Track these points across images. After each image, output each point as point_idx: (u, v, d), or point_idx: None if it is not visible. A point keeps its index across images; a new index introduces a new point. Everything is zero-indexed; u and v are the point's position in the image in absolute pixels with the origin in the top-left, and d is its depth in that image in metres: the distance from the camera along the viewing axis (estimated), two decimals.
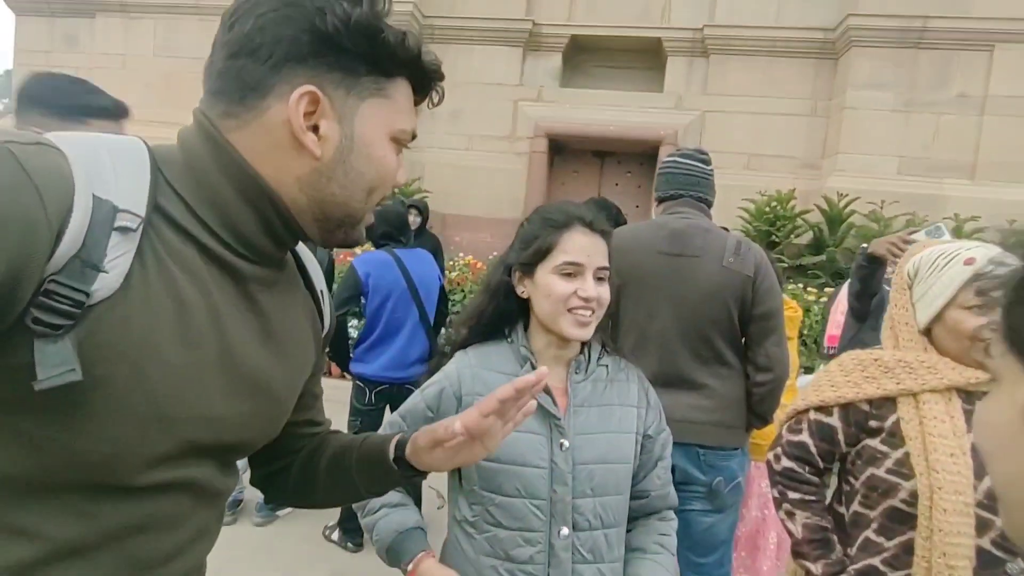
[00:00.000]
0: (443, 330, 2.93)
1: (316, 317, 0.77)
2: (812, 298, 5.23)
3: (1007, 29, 5.69)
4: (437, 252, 5.40)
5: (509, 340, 1.14)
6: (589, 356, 1.14)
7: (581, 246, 1.06)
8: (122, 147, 0.56)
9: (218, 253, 0.59)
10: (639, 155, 7.06)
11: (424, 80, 0.67)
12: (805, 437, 1.23)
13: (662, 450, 1.17)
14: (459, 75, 7.13)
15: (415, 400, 1.13)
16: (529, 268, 1.10)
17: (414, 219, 5.21)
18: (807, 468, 1.23)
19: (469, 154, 7.13)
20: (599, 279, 1.07)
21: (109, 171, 0.52)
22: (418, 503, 2.84)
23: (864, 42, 5.99)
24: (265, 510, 2.98)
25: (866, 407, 1.16)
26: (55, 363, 0.47)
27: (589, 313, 1.05)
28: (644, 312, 1.73)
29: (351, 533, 2.80)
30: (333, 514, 2.88)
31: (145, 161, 0.56)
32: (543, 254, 1.08)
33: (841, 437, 1.19)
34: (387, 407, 2.87)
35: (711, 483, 1.73)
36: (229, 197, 0.59)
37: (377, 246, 2.87)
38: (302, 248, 0.78)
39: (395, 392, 2.78)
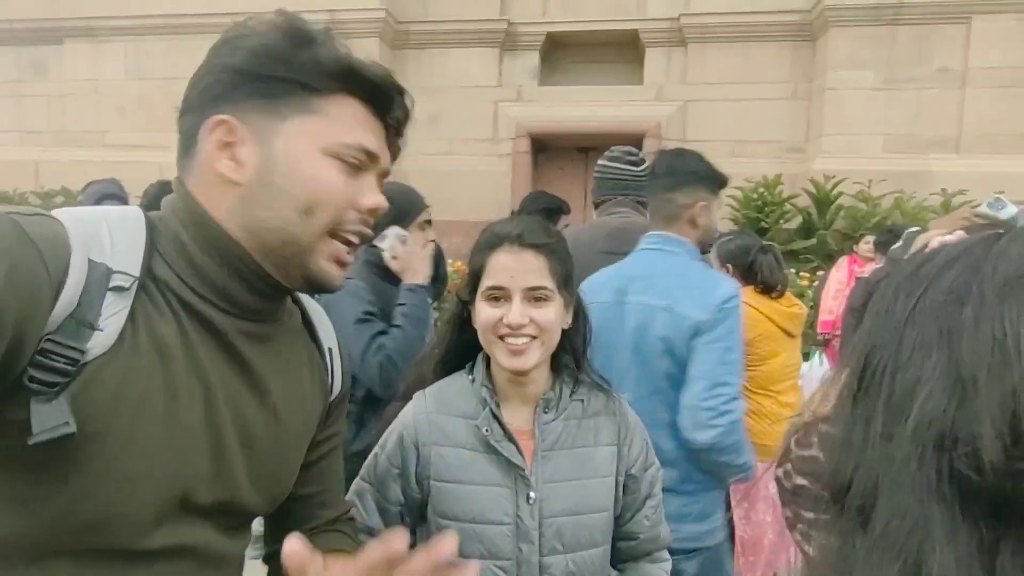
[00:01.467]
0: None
1: (323, 377, 0.74)
2: (805, 283, 5.17)
3: (984, 0, 5.66)
4: (439, 260, 5.20)
5: (471, 377, 1.04)
6: (560, 391, 1.02)
7: (503, 267, 0.95)
8: (120, 216, 0.58)
9: (199, 310, 0.59)
10: None
11: (375, 93, 0.64)
12: (816, 451, 1.17)
13: (650, 488, 1.06)
14: (436, 79, 7.05)
15: (378, 460, 1.02)
16: (470, 297, 1.01)
17: None
18: (818, 485, 1.16)
19: (451, 159, 7.05)
20: (538, 299, 0.95)
21: (106, 238, 0.55)
22: None
23: (841, 22, 5.94)
24: (259, 542, 2.88)
25: None
26: (50, 419, 0.47)
27: (523, 341, 0.93)
28: None
29: None
30: None
31: (141, 228, 0.58)
32: (475, 280, 0.99)
33: None
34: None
35: None
36: (197, 252, 0.59)
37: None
38: (311, 303, 0.76)
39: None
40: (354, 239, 0.64)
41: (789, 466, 1.21)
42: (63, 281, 0.50)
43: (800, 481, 1.18)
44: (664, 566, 1.09)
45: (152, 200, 2.14)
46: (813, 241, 5.66)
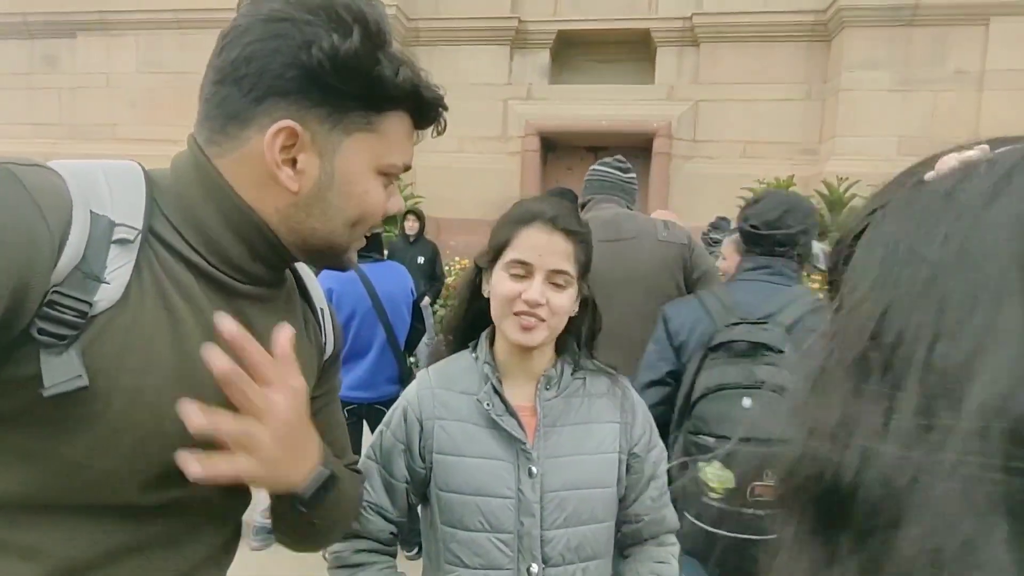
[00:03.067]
0: (421, 346, 2.82)
1: (317, 335, 0.76)
2: (816, 286, 5.12)
3: (1002, 1, 5.58)
4: (435, 258, 5.31)
5: (474, 355, 1.05)
6: (562, 369, 1.03)
7: (534, 244, 0.95)
8: (118, 169, 0.57)
9: (206, 271, 0.60)
10: (634, 148, 6.94)
11: (424, 111, 0.66)
12: None
13: (654, 468, 1.06)
14: (446, 77, 6.97)
15: (383, 436, 1.03)
16: (489, 265, 1.01)
17: (412, 224, 5.19)
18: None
19: (460, 156, 7.03)
20: (555, 284, 0.95)
21: (105, 190, 0.54)
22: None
23: (856, 22, 5.88)
24: (263, 534, 2.90)
25: None
26: (62, 372, 0.48)
27: (534, 319, 0.94)
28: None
29: None
30: None
31: (140, 183, 0.58)
32: (499, 250, 0.98)
33: None
34: (362, 421, 2.79)
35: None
36: (214, 224, 0.60)
37: None
38: (304, 268, 0.77)
39: (365, 411, 2.69)
40: (369, 234, 0.70)
41: None
42: (66, 232, 0.50)
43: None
44: (672, 550, 1.08)
45: None
46: (825, 244, 5.60)
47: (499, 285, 0.96)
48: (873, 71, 5.87)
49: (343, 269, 0.70)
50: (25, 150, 7.45)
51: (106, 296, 0.51)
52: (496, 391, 0.98)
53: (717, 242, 4.18)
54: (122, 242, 0.53)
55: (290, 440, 0.58)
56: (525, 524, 0.95)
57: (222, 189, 0.60)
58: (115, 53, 7.31)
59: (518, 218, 0.98)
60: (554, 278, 0.95)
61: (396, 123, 0.64)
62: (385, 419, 1.05)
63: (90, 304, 0.50)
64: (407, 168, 0.67)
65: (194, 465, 0.52)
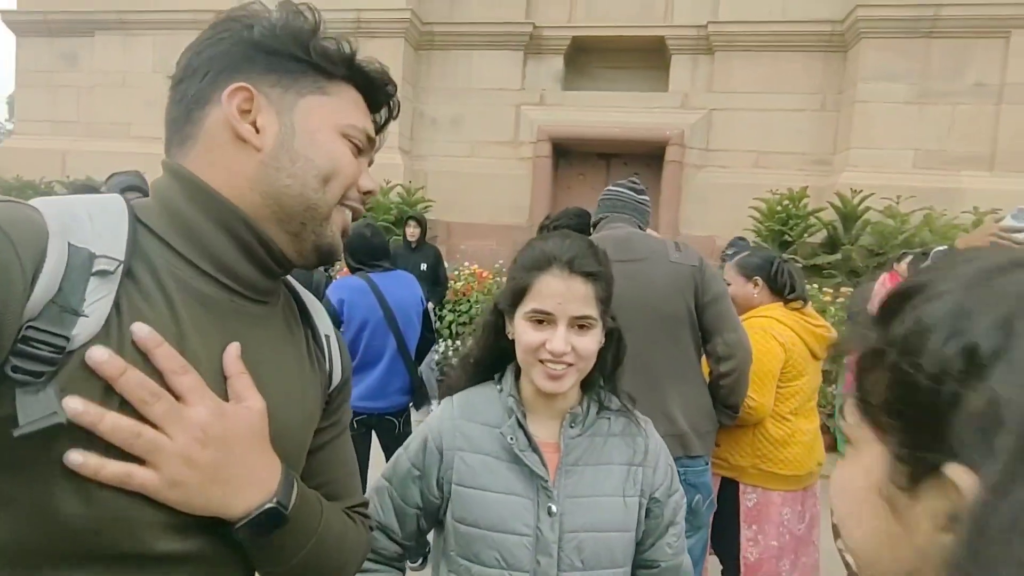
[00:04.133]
0: (431, 355, 2.79)
1: (321, 363, 0.73)
2: (828, 299, 5.07)
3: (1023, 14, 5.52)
4: (438, 264, 5.28)
5: (499, 387, 1.04)
6: (588, 407, 1.01)
7: (552, 292, 0.93)
8: (99, 203, 0.57)
9: (195, 286, 0.58)
10: (646, 156, 6.93)
11: (371, 88, 0.68)
12: None
13: (673, 515, 1.04)
14: (459, 81, 7.05)
15: (399, 461, 1.02)
16: (510, 310, 1.00)
17: (413, 231, 5.11)
18: None
19: (472, 161, 7.04)
20: (581, 327, 0.94)
21: (86, 223, 0.53)
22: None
23: (874, 33, 5.83)
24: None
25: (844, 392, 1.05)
26: (37, 410, 0.45)
27: (562, 367, 0.93)
28: None
29: None
30: None
31: (123, 212, 0.57)
32: (518, 297, 0.97)
33: None
34: (371, 433, 2.77)
35: (691, 502, 1.66)
36: (201, 224, 0.59)
37: (352, 270, 2.74)
38: (305, 292, 0.76)
39: (375, 421, 2.68)
40: (351, 215, 0.68)
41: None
42: (40, 265, 0.48)
43: None
44: None
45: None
46: (838, 256, 5.54)
47: (523, 335, 0.95)
48: (890, 83, 5.82)
49: (329, 253, 0.66)
50: (44, 147, 7.56)
51: (85, 330, 0.49)
52: (520, 425, 0.97)
53: None
54: (102, 274, 0.51)
55: (222, 462, 0.54)
56: (542, 564, 0.92)
57: (199, 187, 0.60)
58: (132, 52, 7.40)
59: (534, 263, 0.95)
60: (578, 322, 0.93)
61: (348, 93, 0.66)
62: (406, 443, 1.03)
63: (67, 339, 0.48)
64: (370, 139, 0.68)
65: (77, 456, 0.48)
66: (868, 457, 0.39)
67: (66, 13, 7.54)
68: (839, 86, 6.22)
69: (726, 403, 1.80)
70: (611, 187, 2.04)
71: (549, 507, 0.93)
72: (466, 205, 6.90)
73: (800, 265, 5.58)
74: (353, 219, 0.69)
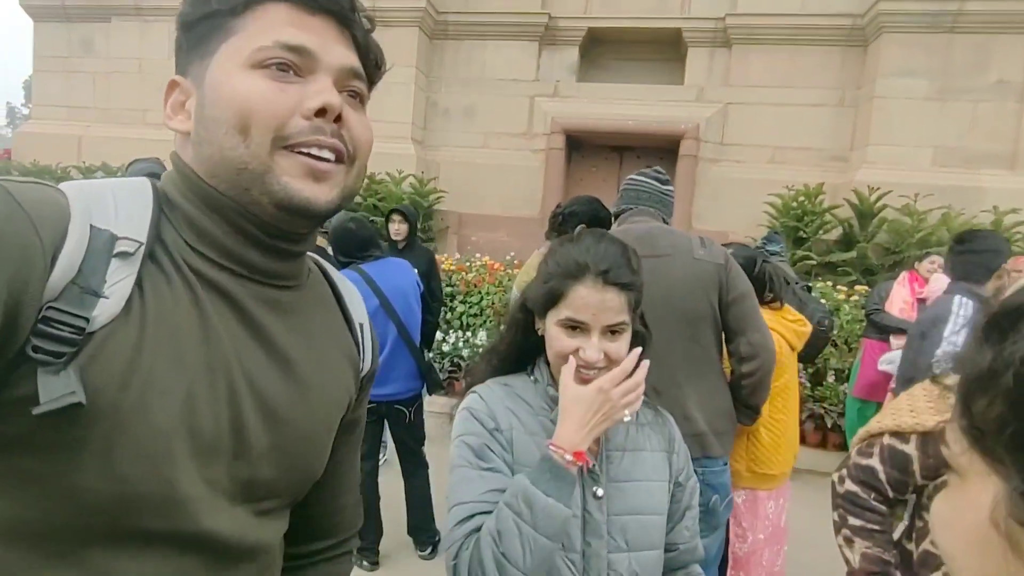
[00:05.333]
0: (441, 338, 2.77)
1: (353, 350, 0.72)
2: (842, 297, 5.02)
3: None
4: (430, 272, 3.95)
5: (533, 378, 1.06)
6: None
7: (587, 303, 0.94)
8: (127, 186, 0.57)
9: (212, 277, 0.57)
10: (660, 150, 6.88)
11: None
12: (875, 462, 1.13)
13: (690, 498, 1.09)
14: (473, 71, 7.02)
15: (466, 442, 0.98)
16: (541, 311, 1.01)
17: (398, 227, 3.84)
18: (873, 495, 1.13)
19: (484, 152, 7.01)
20: (614, 332, 0.96)
21: (111, 206, 0.53)
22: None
23: (895, 28, 5.73)
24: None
25: (943, 420, 1.04)
26: (57, 389, 0.45)
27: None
28: None
29: (366, 551, 2.72)
30: None
31: (149, 197, 0.57)
32: (552, 302, 0.98)
33: (917, 468, 1.08)
34: (383, 423, 2.78)
35: (708, 502, 1.66)
36: (195, 212, 0.58)
37: (341, 266, 2.73)
38: (342, 279, 0.74)
39: (385, 410, 2.70)
40: (318, 151, 0.57)
41: (845, 471, 1.17)
42: (60, 246, 0.48)
43: (852, 487, 1.15)
44: None
45: None
46: (853, 254, 5.49)
47: (556, 341, 0.98)
48: (910, 79, 5.73)
49: (302, 208, 0.57)
50: (60, 132, 7.61)
51: (105, 311, 0.49)
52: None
53: (773, 254, 4.10)
54: (123, 255, 0.51)
55: None
56: (593, 545, 0.95)
57: (186, 173, 0.59)
58: (148, 39, 7.41)
59: (567, 271, 0.96)
60: (613, 328, 0.96)
61: (262, 15, 0.56)
62: (456, 432, 1.01)
63: (87, 320, 0.48)
64: (296, 48, 0.56)
65: None
66: (980, 490, 0.35)
67: None
68: (858, 81, 6.13)
69: (747, 404, 1.78)
70: (635, 176, 1.99)
71: (595, 490, 0.97)
72: (478, 196, 6.89)
73: (815, 262, 5.53)
74: (336, 156, 0.58)
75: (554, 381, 1.03)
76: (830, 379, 4.75)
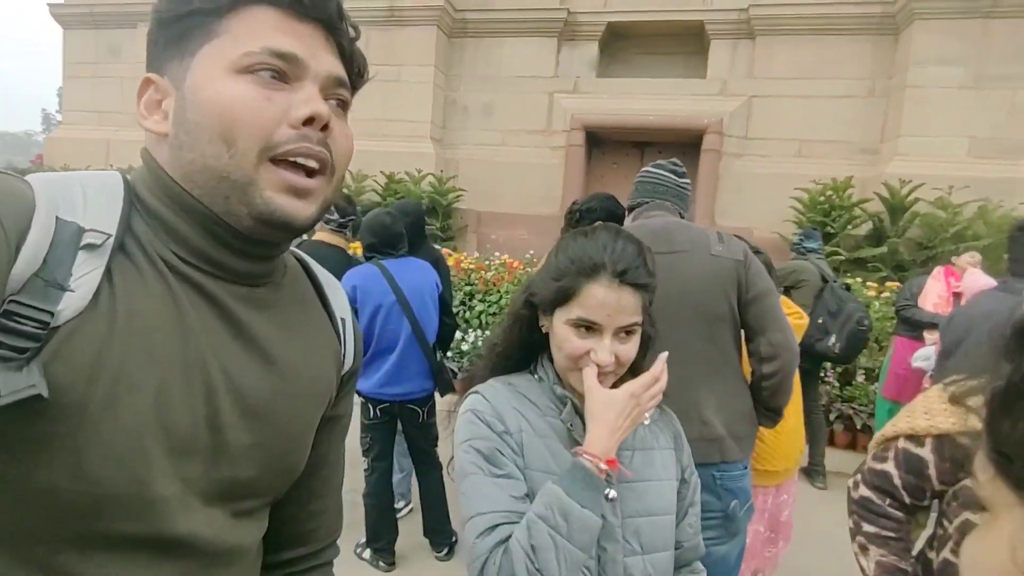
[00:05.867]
0: (460, 337, 2.74)
1: (335, 345, 0.70)
2: (872, 294, 4.86)
3: None
4: (436, 268, 3.50)
5: (537, 377, 1.01)
6: None
7: (602, 302, 0.90)
8: (96, 178, 0.55)
9: (186, 273, 0.55)
10: (682, 145, 6.77)
11: None
12: (889, 467, 1.08)
13: (693, 495, 1.06)
14: (492, 69, 6.99)
15: (474, 447, 0.93)
16: (548, 308, 0.96)
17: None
18: (888, 501, 1.08)
19: (503, 150, 6.98)
20: (627, 333, 0.92)
21: (79, 198, 0.51)
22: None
23: (928, 14, 5.53)
24: None
25: (967, 442, 0.97)
26: (17, 383, 0.44)
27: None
28: None
29: (382, 552, 2.70)
30: (363, 532, 2.78)
31: (119, 189, 0.55)
32: (562, 300, 0.93)
33: (933, 472, 1.02)
34: (395, 422, 2.76)
35: (726, 508, 1.59)
36: (165, 212, 0.56)
37: (366, 258, 2.73)
38: (323, 273, 0.73)
39: (397, 410, 2.68)
40: (304, 161, 0.55)
41: (860, 477, 1.12)
42: (23, 238, 0.46)
43: (866, 493, 1.10)
44: None
45: None
46: (883, 249, 5.32)
47: (565, 343, 0.93)
48: (944, 67, 5.52)
49: (282, 224, 0.56)
50: (89, 136, 7.80)
51: (71, 305, 0.47)
52: (577, 412, 0.96)
53: (811, 251, 3.99)
54: (90, 247, 0.49)
55: None
56: (608, 550, 0.91)
57: (157, 174, 0.56)
58: None
59: (581, 269, 0.92)
60: (624, 330, 0.92)
61: (248, 18, 0.55)
62: (462, 437, 0.96)
63: (51, 314, 0.46)
64: (285, 56, 0.54)
65: None
66: (1010, 525, 0.32)
67: (110, 5, 7.74)
68: (889, 71, 5.94)
69: (768, 406, 1.70)
70: (650, 169, 1.90)
71: (607, 493, 0.92)
72: (497, 194, 6.86)
73: (843, 258, 5.38)
74: (319, 168, 0.57)
75: (560, 380, 0.99)
76: (860, 378, 4.60)
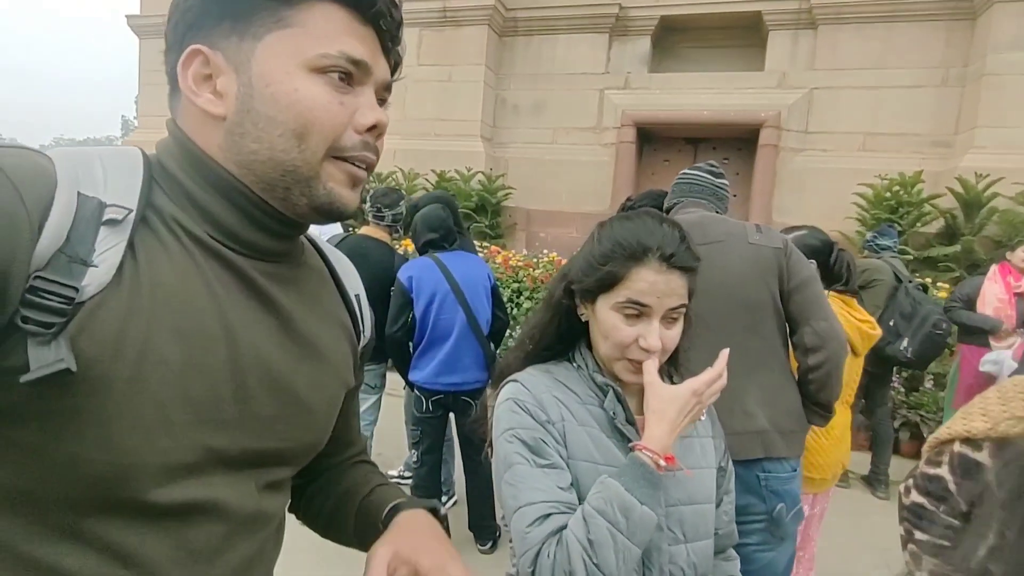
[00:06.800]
0: (507, 334, 2.75)
1: (350, 322, 0.72)
2: (943, 295, 4.58)
3: None
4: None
5: (575, 365, 1.01)
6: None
7: (652, 285, 0.89)
8: (116, 153, 0.55)
9: (215, 248, 0.56)
10: (738, 140, 6.57)
11: None
12: (944, 472, 1.02)
13: (728, 482, 1.07)
14: (542, 67, 6.98)
15: (519, 437, 0.93)
16: (591, 295, 0.95)
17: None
18: (942, 507, 1.01)
19: (554, 147, 6.96)
20: (673, 319, 0.93)
21: (99, 173, 0.52)
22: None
23: None
24: None
25: None
26: (46, 357, 0.45)
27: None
28: None
29: None
30: None
31: (138, 164, 0.55)
32: (608, 286, 0.92)
33: (992, 479, 0.95)
34: (448, 415, 2.79)
35: (772, 511, 1.51)
36: (196, 188, 0.56)
37: (420, 252, 2.79)
38: (333, 251, 0.74)
39: (451, 401, 2.70)
40: (361, 166, 0.59)
41: (911, 481, 1.06)
42: (46, 214, 0.47)
43: (918, 499, 1.04)
44: (736, 564, 1.08)
45: None
46: (957, 248, 5.00)
47: (615, 330, 0.92)
48: None
49: (337, 214, 0.59)
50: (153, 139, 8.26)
51: (95, 280, 0.48)
52: (619, 399, 0.96)
53: (884, 248, 3.81)
54: (111, 223, 0.50)
55: None
56: (654, 539, 0.89)
57: (188, 148, 0.57)
58: None
59: (631, 252, 0.91)
60: (671, 315, 0.92)
61: (319, 14, 0.55)
62: (504, 426, 0.95)
63: (76, 289, 0.47)
64: (358, 63, 0.56)
65: None
66: None
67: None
68: (965, 58, 5.57)
69: (815, 400, 1.62)
70: (687, 171, 1.91)
71: None
72: (547, 192, 6.85)
73: (911, 257, 5.09)
74: (367, 169, 0.60)
75: (600, 368, 0.98)
76: (927, 384, 4.35)
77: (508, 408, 0.95)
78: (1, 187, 0.45)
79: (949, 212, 5.18)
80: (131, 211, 0.51)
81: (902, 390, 4.45)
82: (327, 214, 0.59)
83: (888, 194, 5.28)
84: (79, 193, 0.49)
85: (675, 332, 0.93)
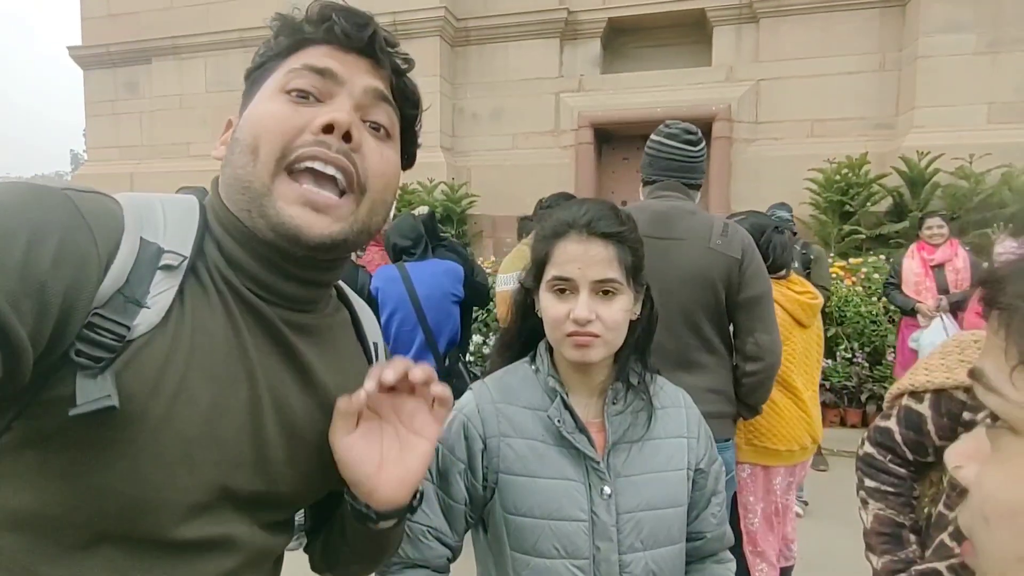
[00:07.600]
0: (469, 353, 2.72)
1: (367, 372, 0.71)
2: (837, 269, 4.78)
3: None
4: (470, 266, 3.26)
5: (534, 367, 0.99)
6: (627, 381, 0.96)
7: (571, 257, 0.89)
8: (176, 201, 0.59)
9: (246, 297, 0.59)
10: None
11: (332, 33, 0.61)
12: (892, 424, 1.10)
13: (716, 483, 1.02)
14: (497, 74, 7.03)
15: (440, 455, 0.94)
16: (534, 283, 0.96)
17: None
18: (889, 457, 1.10)
19: (514, 153, 7.01)
20: (605, 292, 0.89)
21: (160, 219, 0.56)
22: None
23: None
24: (299, 532, 2.91)
25: (962, 396, 0.99)
26: (93, 392, 0.47)
27: (588, 337, 0.88)
28: None
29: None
30: None
31: (195, 214, 0.59)
32: (539, 269, 0.93)
33: (931, 428, 1.03)
34: None
35: None
36: (227, 240, 0.59)
37: (393, 260, 2.77)
38: (356, 300, 0.76)
39: None
40: (323, 168, 0.57)
41: (866, 434, 1.14)
42: (113, 256, 0.50)
43: (870, 449, 1.12)
44: (730, 566, 1.04)
45: None
46: (905, 224, 5.21)
47: (548, 308, 0.91)
48: (956, 34, 5.40)
49: (293, 237, 0.57)
50: (113, 171, 8.05)
51: (145, 320, 0.51)
52: (566, 406, 0.93)
53: (786, 222, 4.00)
54: (167, 268, 0.53)
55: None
56: (602, 549, 0.88)
57: (218, 203, 0.61)
58: (186, 75, 7.76)
59: (552, 231, 0.92)
60: (601, 288, 0.89)
61: (303, 54, 0.61)
62: (441, 437, 0.96)
63: (128, 328, 0.50)
64: (320, 70, 0.59)
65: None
66: None
67: (125, 43, 7.99)
68: (899, 43, 5.82)
69: (745, 401, 1.74)
70: (663, 139, 1.79)
71: (602, 488, 0.90)
72: (510, 197, 6.88)
73: (864, 236, 5.28)
74: (328, 170, 0.58)
75: (556, 370, 0.97)
76: (889, 358, 4.52)
77: (456, 421, 0.95)
78: (80, 230, 0.49)
79: (896, 190, 5.40)
80: (185, 258, 0.55)
81: (866, 365, 4.61)
82: (289, 239, 0.57)
83: (838, 177, 5.47)
84: (142, 238, 0.53)
85: (615, 308, 0.89)
